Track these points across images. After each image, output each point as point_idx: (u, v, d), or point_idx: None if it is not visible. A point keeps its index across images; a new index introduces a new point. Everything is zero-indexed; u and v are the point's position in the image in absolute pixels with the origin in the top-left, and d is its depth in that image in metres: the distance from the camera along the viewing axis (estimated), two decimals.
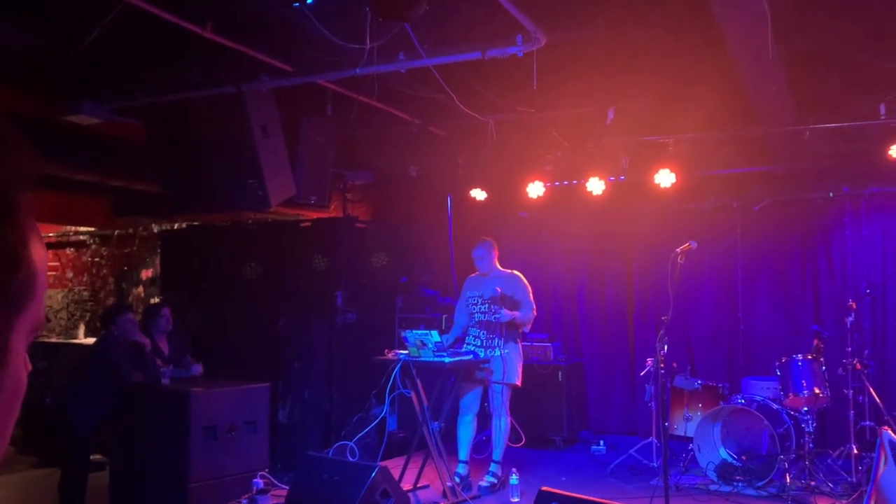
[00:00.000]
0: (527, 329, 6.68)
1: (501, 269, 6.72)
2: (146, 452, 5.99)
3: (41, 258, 0.79)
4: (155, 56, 5.51)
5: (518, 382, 6.53)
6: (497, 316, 6.37)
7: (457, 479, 6.43)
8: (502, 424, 6.48)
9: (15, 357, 0.77)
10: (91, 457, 6.39)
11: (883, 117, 6.36)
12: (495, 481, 6.50)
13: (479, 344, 6.54)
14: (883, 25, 5.30)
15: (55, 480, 6.15)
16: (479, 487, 6.45)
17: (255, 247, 8.40)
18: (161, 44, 5.16)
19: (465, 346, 6.58)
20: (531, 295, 6.60)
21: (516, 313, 6.41)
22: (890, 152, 6.54)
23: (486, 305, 6.51)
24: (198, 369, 6.71)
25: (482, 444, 6.93)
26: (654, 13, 5.05)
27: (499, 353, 6.38)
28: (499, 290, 6.46)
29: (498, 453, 6.55)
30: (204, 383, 6.21)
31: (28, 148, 0.78)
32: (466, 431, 6.58)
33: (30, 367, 0.81)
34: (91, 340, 9.25)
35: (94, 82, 5.93)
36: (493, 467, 6.56)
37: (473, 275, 6.84)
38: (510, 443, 6.59)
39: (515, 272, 6.71)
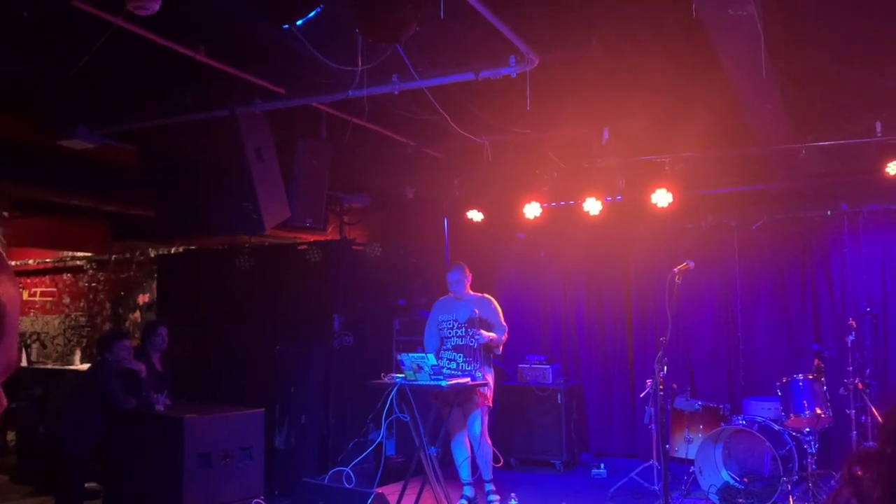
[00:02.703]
0: (498, 351, 6.69)
1: (472, 292, 6.73)
2: (140, 480, 5.90)
3: (12, 297, 0.78)
4: (148, 80, 5.50)
5: (490, 405, 6.55)
6: (476, 338, 6.35)
7: (464, 502, 6.43)
8: (485, 448, 6.47)
9: None
10: (85, 485, 6.31)
11: (879, 135, 6.34)
12: (498, 497, 6.46)
13: (454, 367, 6.50)
14: (877, 43, 5.30)
15: None
16: None
17: (252, 270, 8.36)
18: (154, 68, 5.15)
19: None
20: (502, 317, 6.64)
21: (493, 335, 6.44)
22: (887, 169, 6.52)
23: (463, 329, 6.52)
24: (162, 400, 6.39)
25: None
26: (647, 34, 5.05)
27: (479, 377, 6.35)
28: (476, 311, 6.47)
29: (487, 473, 6.52)
30: (198, 409, 6.14)
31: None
32: (462, 452, 6.57)
33: (4, 404, 0.78)
34: (87, 366, 9.19)
35: (87, 107, 5.92)
36: (487, 487, 6.53)
37: (443, 298, 6.85)
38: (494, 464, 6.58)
39: (486, 295, 6.76)
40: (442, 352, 6.66)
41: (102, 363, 6.32)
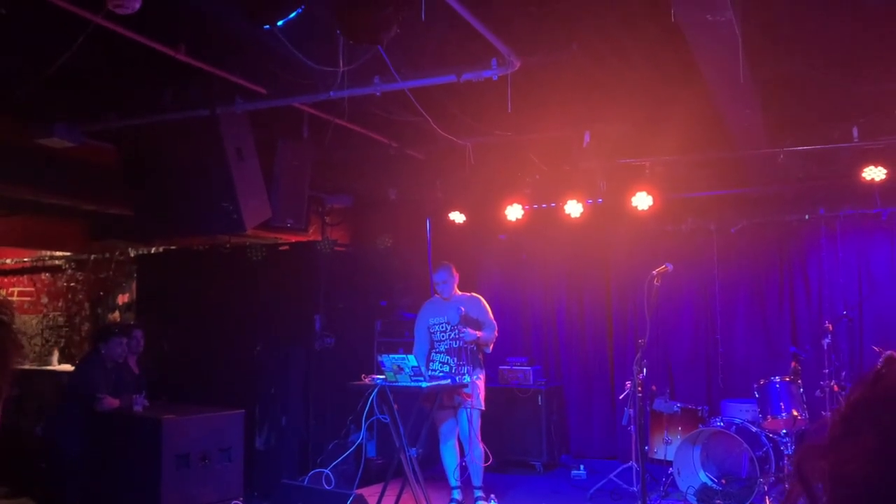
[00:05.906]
0: (488, 350, 6.65)
1: (460, 292, 6.70)
2: (118, 481, 5.86)
3: None
4: (128, 79, 5.47)
5: (483, 407, 6.50)
6: (463, 335, 6.33)
7: None
8: (477, 451, 6.42)
9: None
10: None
11: (856, 140, 6.42)
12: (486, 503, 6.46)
13: (448, 370, 6.46)
14: (854, 50, 5.37)
15: None
16: None
17: (233, 271, 8.31)
18: (134, 67, 5.12)
19: (430, 373, 6.48)
20: (492, 315, 6.61)
21: (480, 333, 6.40)
22: (863, 174, 6.60)
23: (456, 332, 6.46)
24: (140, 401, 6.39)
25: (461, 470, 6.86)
26: (628, 38, 5.09)
27: (469, 380, 6.34)
28: (463, 309, 6.43)
29: (478, 479, 6.50)
30: (177, 410, 6.10)
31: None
32: (452, 457, 6.53)
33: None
34: (65, 367, 9.11)
35: (66, 105, 5.87)
36: (476, 493, 6.51)
37: (431, 300, 6.81)
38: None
39: (475, 294, 6.73)
40: (433, 354, 6.60)
41: (93, 354, 6.29)
